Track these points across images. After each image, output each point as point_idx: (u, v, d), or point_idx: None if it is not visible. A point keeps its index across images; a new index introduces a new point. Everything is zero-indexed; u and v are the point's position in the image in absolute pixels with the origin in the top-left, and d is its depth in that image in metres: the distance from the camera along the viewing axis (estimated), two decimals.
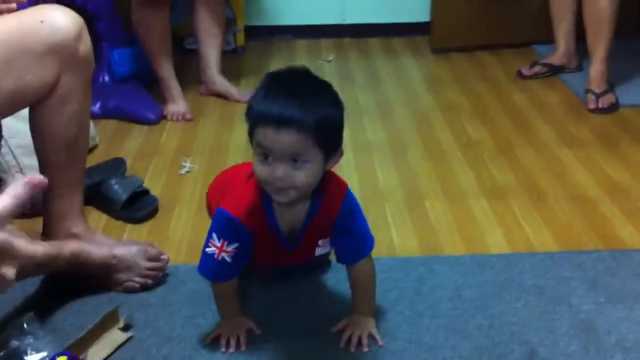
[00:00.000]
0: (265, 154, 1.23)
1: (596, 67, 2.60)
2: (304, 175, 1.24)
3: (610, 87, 2.62)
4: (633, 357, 1.39)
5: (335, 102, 1.27)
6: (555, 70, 2.88)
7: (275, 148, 1.22)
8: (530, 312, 1.52)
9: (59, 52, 1.45)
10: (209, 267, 1.39)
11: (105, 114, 2.52)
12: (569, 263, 1.69)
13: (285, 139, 1.20)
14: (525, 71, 2.90)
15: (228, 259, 1.36)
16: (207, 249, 1.37)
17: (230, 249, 1.36)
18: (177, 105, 2.56)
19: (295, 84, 1.27)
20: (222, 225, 1.36)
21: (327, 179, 1.35)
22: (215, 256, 1.36)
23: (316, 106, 1.22)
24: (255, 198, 1.34)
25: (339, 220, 1.39)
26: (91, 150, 2.24)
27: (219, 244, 1.36)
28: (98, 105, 2.50)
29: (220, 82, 2.70)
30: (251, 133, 1.26)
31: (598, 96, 2.57)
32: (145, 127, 2.47)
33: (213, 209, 1.48)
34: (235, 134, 2.42)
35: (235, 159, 2.20)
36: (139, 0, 2.47)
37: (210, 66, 2.69)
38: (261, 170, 1.25)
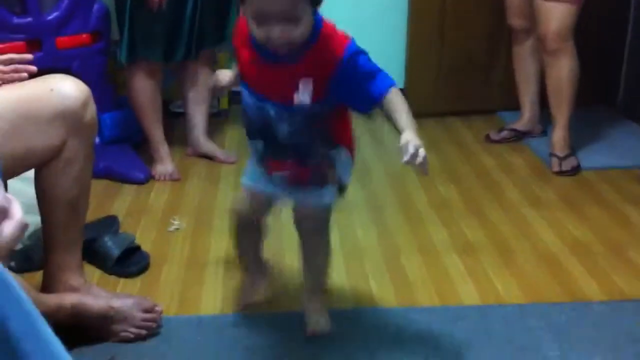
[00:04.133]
0: (260, 19, 1.38)
1: (558, 133, 2.79)
2: (298, 31, 1.39)
3: (572, 151, 2.80)
4: None
5: None
6: (520, 136, 3.06)
7: (269, 13, 1.36)
8: None
9: (67, 118, 1.57)
10: None
11: (95, 175, 2.62)
12: (536, 314, 1.81)
13: (277, 4, 1.36)
14: (493, 136, 3.08)
15: None
16: None
17: None
18: (165, 166, 2.68)
19: None
20: None
21: (324, 33, 1.45)
22: None
23: None
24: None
25: (339, 76, 1.45)
26: None
27: None
28: None
29: (206, 144, 2.84)
30: (243, 2, 1.41)
31: (561, 159, 2.75)
32: (134, 187, 2.59)
33: None
34: (221, 194, 2.54)
35: (220, 218, 2.31)
36: (133, 69, 2.62)
37: (197, 129, 2.83)
38: (259, 33, 1.40)
